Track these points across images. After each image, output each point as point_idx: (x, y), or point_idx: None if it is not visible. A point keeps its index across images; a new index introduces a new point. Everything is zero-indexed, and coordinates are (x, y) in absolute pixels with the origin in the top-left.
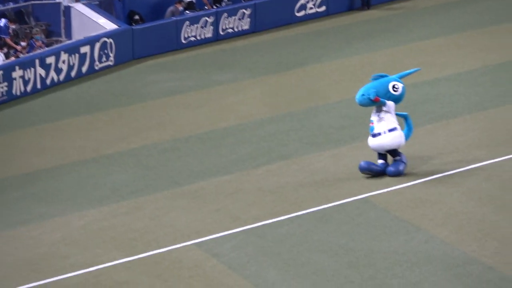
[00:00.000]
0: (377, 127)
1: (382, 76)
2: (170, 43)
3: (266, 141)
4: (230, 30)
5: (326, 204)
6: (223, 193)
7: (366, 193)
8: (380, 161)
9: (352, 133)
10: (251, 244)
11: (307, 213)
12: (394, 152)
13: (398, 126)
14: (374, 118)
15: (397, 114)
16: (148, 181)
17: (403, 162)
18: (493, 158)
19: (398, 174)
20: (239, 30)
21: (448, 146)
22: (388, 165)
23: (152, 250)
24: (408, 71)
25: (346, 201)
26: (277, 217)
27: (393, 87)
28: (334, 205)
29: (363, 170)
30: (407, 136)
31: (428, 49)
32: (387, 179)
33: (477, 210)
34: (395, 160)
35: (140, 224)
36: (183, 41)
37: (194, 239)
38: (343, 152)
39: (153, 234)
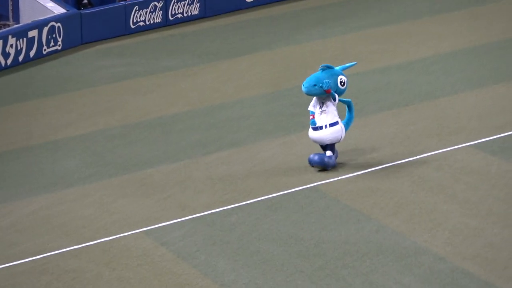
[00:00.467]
0: (319, 120)
1: (329, 67)
2: (119, 28)
3: (216, 128)
4: (179, 15)
5: (276, 192)
6: (172, 181)
7: (316, 181)
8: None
9: (302, 121)
10: (200, 232)
11: (257, 201)
12: (329, 146)
13: (339, 120)
14: (315, 110)
15: (340, 101)
16: (96, 167)
17: (332, 157)
18: (444, 148)
19: (322, 165)
20: (188, 15)
21: (399, 135)
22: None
23: (100, 238)
24: (347, 65)
25: (296, 189)
26: (226, 205)
27: (341, 81)
28: (284, 194)
29: (310, 163)
30: (347, 126)
31: (380, 36)
32: (336, 168)
33: (428, 199)
34: (325, 154)
35: (88, 212)
36: (132, 26)
37: (143, 227)
38: (293, 140)
39: (101, 221)
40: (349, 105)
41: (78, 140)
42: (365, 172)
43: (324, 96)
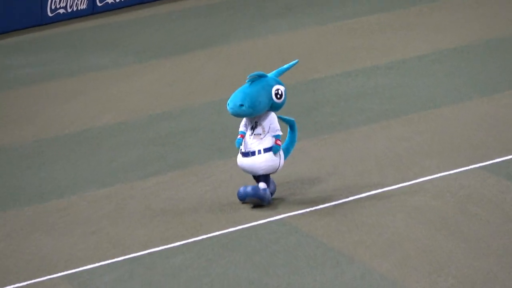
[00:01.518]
0: (251, 143)
1: (260, 76)
2: (33, 17)
3: (157, 144)
4: (110, 1)
5: (233, 227)
6: (100, 211)
7: (284, 213)
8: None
9: None
10: (137, 277)
11: (208, 238)
12: (263, 177)
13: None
14: (247, 131)
15: (281, 118)
16: (3, 194)
17: (267, 191)
18: (447, 170)
19: (257, 198)
20: (122, 1)
21: (389, 154)
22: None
23: (9, 284)
24: (285, 66)
25: (258, 223)
26: (170, 243)
27: (277, 93)
28: (243, 229)
29: (241, 198)
30: (287, 152)
31: (365, 28)
32: (310, 196)
33: (426, 236)
34: (259, 187)
35: None
36: (50, 14)
37: (64, 270)
38: None
39: (10, 263)
40: (291, 125)
41: None
42: (346, 201)
43: (258, 114)
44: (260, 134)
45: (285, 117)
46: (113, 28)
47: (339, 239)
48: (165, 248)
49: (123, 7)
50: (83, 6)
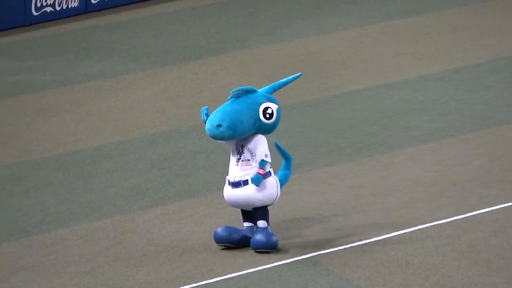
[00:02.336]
0: (239, 172)
1: (248, 92)
2: (16, 17)
3: (161, 168)
4: None
5: (253, 267)
6: (95, 247)
7: (314, 251)
8: (247, 224)
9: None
10: None
11: (223, 280)
12: (262, 212)
13: (271, 170)
14: (233, 157)
15: (277, 148)
16: None
17: (271, 232)
18: (508, 201)
19: (268, 247)
20: None
21: (440, 181)
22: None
23: None
24: (283, 80)
25: (282, 262)
26: (176, 286)
27: (265, 112)
28: (265, 269)
29: (219, 241)
30: (282, 183)
31: (409, 31)
32: (345, 231)
33: (483, 280)
34: (258, 226)
35: None
36: (35, 13)
37: None
38: (302, 180)
39: None
40: (287, 159)
41: None
42: (388, 238)
43: (242, 137)
44: (249, 160)
45: (283, 148)
46: (110, 30)
47: (380, 282)
48: None
49: (121, 5)
50: (75, 4)
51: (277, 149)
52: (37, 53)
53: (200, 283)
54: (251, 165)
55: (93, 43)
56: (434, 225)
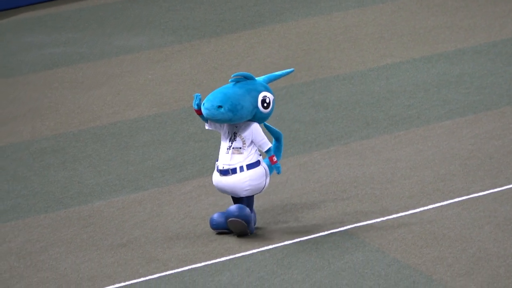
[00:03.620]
0: (229, 158)
1: (247, 78)
2: None
3: (198, 140)
4: None
5: (290, 239)
6: (132, 219)
7: (351, 223)
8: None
9: (330, 131)
10: None
11: (260, 252)
12: (248, 202)
13: (261, 159)
14: (224, 144)
15: (267, 127)
16: (15, 199)
17: (251, 216)
18: None
19: (245, 219)
20: None
21: (477, 155)
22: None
23: None
24: (278, 73)
25: (319, 235)
26: (214, 258)
27: (264, 100)
28: (302, 241)
29: (217, 227)
30: (271, 168)
31: (446, 4)
32: (382, 203)
33: None
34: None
35: (1, 267)
36: None
37: None
38: (316, 159)
39: (22, 281)
40: (278, 137)
41: None
42: (425, 210)
43: (239, 122)
44: (240, 148)
45: (272, 127)
46: (148, 3)
47: (416, 255)
48: (208, 264)
49: None
50: None
51: (266, 128)
52: (74, 26)
53: (237, 255)
54: (242, 153)
55: (131, 16)
56: (470, 198)
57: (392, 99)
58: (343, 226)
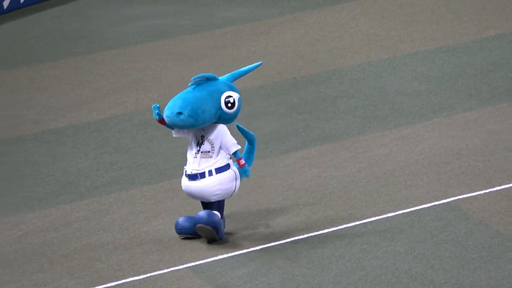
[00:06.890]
0: (198, 163)
1: (209, 79)
2: None
3: (301, 112)
4: None
5: (392, 211)
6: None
7: (454, 195)
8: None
9: (433, 102)
10: (277, 270)
11: (363, 224)
12: (217, 205)
13: (230, 162)
14: (192, 148)
15: (239, 129)
16: (118, 171)
17: (221, 221)
18: None
19: (213, 225)
20: None
21: None
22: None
23: (124, 277)
24: (244, 69)
25: (422, 207)
26: (317, 230)
27: (227, 101)
28: (404, 213)
29: (180, 232)
30: (244, 171)
31: None
32: (485, 175)
33: None
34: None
35: (106, 237)
36: None
37: (189, 262)
38: (419, 131)
39: (125, 252)
40: (251, 140)
41: (92, 129)
42: None
43: (205, 126)
44: (209, 152)
45: (245, 129)
46: None
47: None
48: (311, 236)
49: None
50: None
51: (239, 131)
52: None
53: (340, 227)
54: (210, 157)
55: None
56: None
57: (495, 71)
58: (446, 198)
